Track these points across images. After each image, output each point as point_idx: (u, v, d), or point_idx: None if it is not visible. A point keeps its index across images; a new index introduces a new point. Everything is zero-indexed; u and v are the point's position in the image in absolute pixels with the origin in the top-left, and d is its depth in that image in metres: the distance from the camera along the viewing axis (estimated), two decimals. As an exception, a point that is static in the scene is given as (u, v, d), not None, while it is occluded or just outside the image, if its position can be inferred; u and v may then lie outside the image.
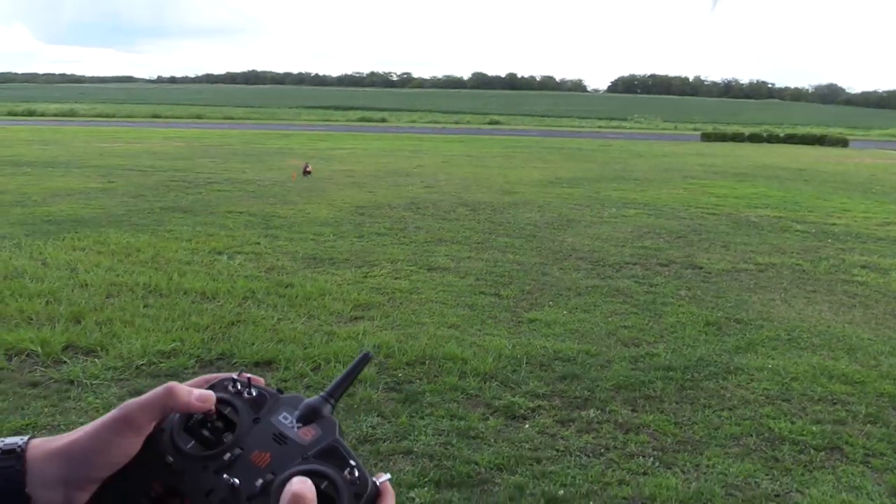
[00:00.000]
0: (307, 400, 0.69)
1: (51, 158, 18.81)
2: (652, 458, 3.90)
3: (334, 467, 0.62)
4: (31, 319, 5.69)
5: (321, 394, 0.69)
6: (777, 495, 3.59)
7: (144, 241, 8.57)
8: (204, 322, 5.76)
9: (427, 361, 5.10)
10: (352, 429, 4.06)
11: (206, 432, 0.65)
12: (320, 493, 0.60)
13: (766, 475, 3.77)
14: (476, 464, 3.75)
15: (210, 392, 0.67)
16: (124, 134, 31.54)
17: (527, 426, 4.21)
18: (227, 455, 0.64)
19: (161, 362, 4.94)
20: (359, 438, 3.97)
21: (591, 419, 4.32)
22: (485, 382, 4.77)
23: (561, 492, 3.51)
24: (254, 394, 0.68)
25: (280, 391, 0.70)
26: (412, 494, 3.43)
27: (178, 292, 6.53)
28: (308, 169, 16.25)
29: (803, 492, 3.62)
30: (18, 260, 7.48)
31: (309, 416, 0.67)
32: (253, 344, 5.30)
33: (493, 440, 4.02)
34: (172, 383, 0.65)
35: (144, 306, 6.13)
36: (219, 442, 0.65)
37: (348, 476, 0.62)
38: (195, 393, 0.66)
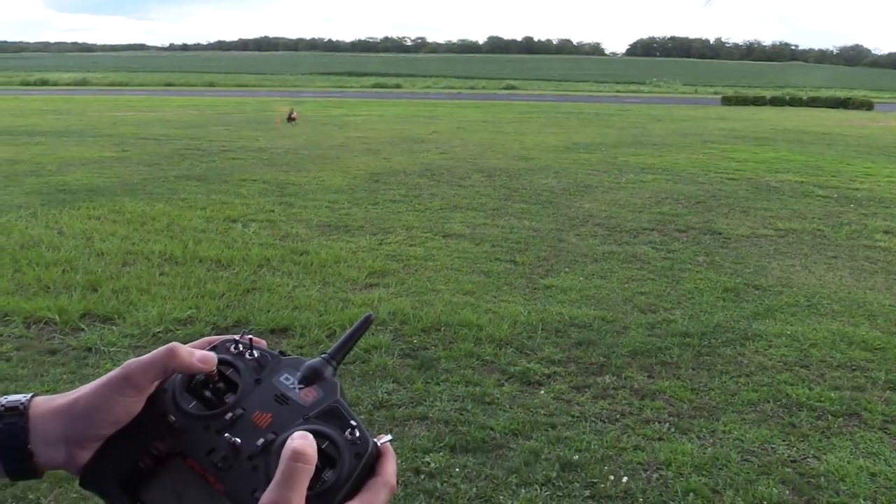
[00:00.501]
0: (309, 361, 0.69)
1: (64, 128, 18.88)
2: (667, 424, 3.92)
3: (335, 427, 0.63)
4: (49, 288, 5.77)
5: (323, 355, 0.70)
6: (794, 461, 3.60)
7: (159, 210, 8.62)
8: (219, 289, 5.81)
9: (442, 328, 5.13)
10: (367, 395, 4.10)
11: (208, 393, 0.66)
12: (321, 453, 0.61)
13: (783, 441, 3.78)
14: (491, 429, 3.78)
15: (212, 354, 0.68)
16: (137, 102, 31.53)
17: (542, 392, 4.24)
18: (229, 415, 0.65)
19: (177, 329, 5.00)
20: (374, 404, 4.01)
21: (606, 385, 4.34)
22: (500, 349, 4.80)
23: (576, 457, 3.54)
24: (255, 355, 0.69)
25: (282, 353, 0.71)
26: (427, 459, 3.48)
27: (193, 260, 6.58)
28: (293, 115, 15.96)
29: (820, 458, 3.63)
30: (35, 229, 7.55)
31: (311, 378, 0.68)
32: (268, 311, 5.35)
33: (508, 406, 4.05)
34: (174, 344, 0.66)
35: (160, 274, 6.19)
36: (220, 402, 0.66)
37: (349, 436, 0.63)
38: (197, 354, 0.66)
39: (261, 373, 0.68)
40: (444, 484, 3.31)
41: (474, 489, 3.27)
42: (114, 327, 5.04)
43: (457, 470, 3.42)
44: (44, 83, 52.09)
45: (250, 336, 0.70)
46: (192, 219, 8.23)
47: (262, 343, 0.71)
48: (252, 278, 6.14)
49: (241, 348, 0.69)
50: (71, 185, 10.27)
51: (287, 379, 0.68)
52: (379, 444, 0.64)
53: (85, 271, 6.16)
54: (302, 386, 0.67)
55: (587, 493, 3.28)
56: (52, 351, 4.64)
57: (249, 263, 6.52)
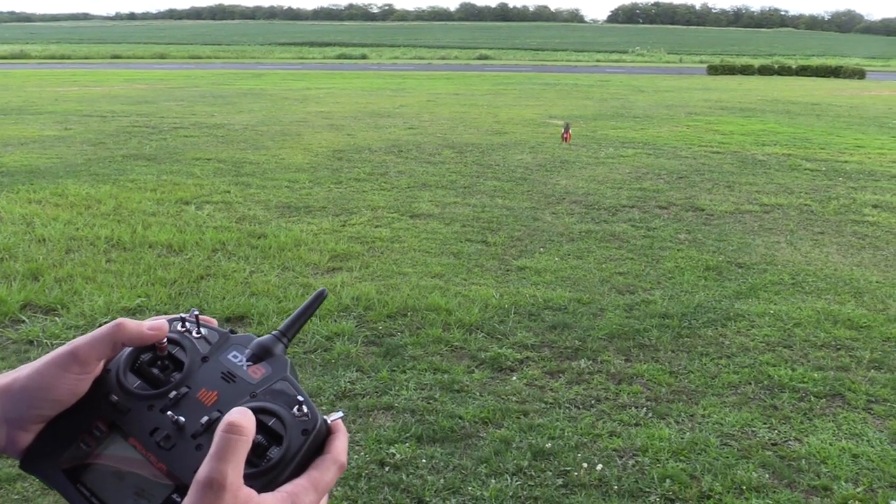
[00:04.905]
0: (258, 339, 0.71)
1: (1, 105, 18.55)
2: (645, 409, 3.99)
3: (283, 404, 0.65)
4: (-15, 277, 5.70)
5: (273, 332, 0.71)
6: (774, 444, 3.69)
7: (105, 192, 8.53)
8: (171, 276, 5.78)
9: (409, 313, 5.16)
10: (329, 385, 4.13)
11: (152, 372, 0.67)
12: (268, 430, 0.62)
13: (764, 424, 3.87)
14: (460, 418, 3.83)
15: (162, 321, 0.68)
16: (81, 77, 31.07)
17: (514, 378, 4.29)
18: (173, 394, 0.66)
19: (126, 319, 4.97)
20: (337, 394, 4.04)
21: (581, 370, 4.40)
22: (470, 334, 4.84)
23: (549, 444, 3.60)
24: (203, 333, 0.70)
25: (232, 331, 0.72)
26: (392, 451, 3.51)
27: (142, 245, 6.54)
28: (567, 134, 13.50)
29: (802, 440, 3.72)
30: (-31, 214, 7.44)
31: (260, 355, 0.69)
32: (224, 298, 5.34)
33: (478, 393, 4.10)
34: (121, 318, 0.66)
35: (107, 261, 6.14)
36: (166, 381, 0.67)
37: (297, 412, 0.64)
38: (146, 323, 0.67)
39: (208, 351, 0.69)
40: (411, 476, 3.35)
41: (442, 480, 3.32)
42: (57, 318, 5.00)
43: (423, 461, 3.46)
44: (-23, 56, 51.04)
45: (198, 313, 0.71)
46: (141, 201, 8.15)
47: (212, 321, 0.72)
48: (206, 264, 6.12)
49: (189, 326, 0.70)
50: (9, 166, 10.11)
51: (235, 356, 0.69)
52: (329, 421, 0.65)
53: (25, 259, 6.10)
54: (250, 363, 0.68)
55: (560, 481, 3.34)
56: (-10, 344, 4.60)
57: (203, 248, 6.49)
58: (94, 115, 16.27)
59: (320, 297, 0.74)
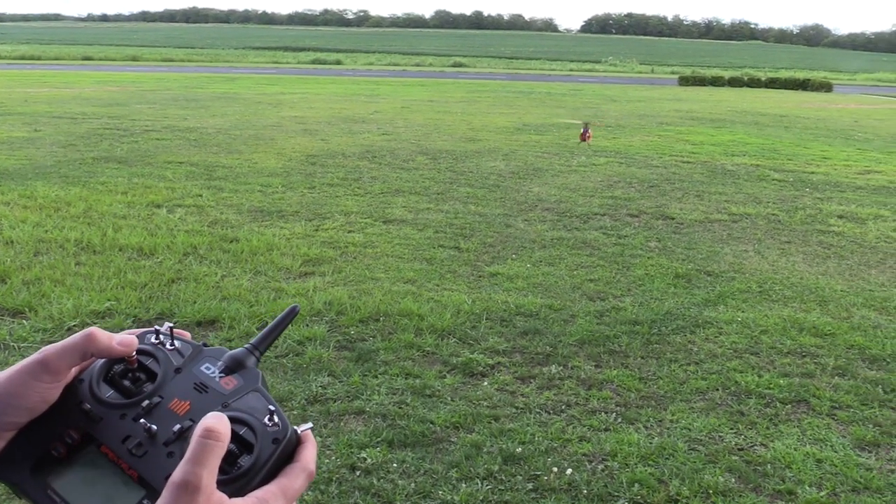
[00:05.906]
0: (231, 351, 0.72)
1: (-31, 104, 18.27)
2: (614, 414, 4.03)
3: (254, 414, 0.66)
4: (-49, 279, 5.61)
5: (246, 345, 0.73)
6: (741, 449, 3.74)
7: (75, 195, 8.43)
8: (141, 280, 5.73)
9: (381, 318, 5.16)
10: (301, 389, 4.11)
11: (126, 383, 0.68)
12: (239, 439, 0.64)
13: (731, 429, 3.92)
14: (431, 423, 3.84)
15: (132, 337, 0.69)
16: (51, 78, 30.70)
17: (485, 383, 4.31)
18: (146, 403, 0.67)
19: (95, 323, 4.92)
20: (308, 399, 4.03)
21: (552, 375, 4.43)
22: (442, 339, 4.85)
23: (519, 449, 3.62)
24: (176, 345, 0.72)
25: (205, 344, 0.74)
26: (363, 455, 3.51)
27: (112, 249, 6.47)
28: (588, 134, 13.93)
29: (767, 445, 3.78)
30: (-65, 215, 7.32)
31: (232, 367, 0.71)
32: (194, 302, 5.30)
33: (449, 398, 4.11)
34: (92, 328, 0.67)
35: (76, 264, 6.07)
36: (138, 392, 0.68)
37: (268, 422, 0.66)
38: (116, 337, 0.68)
39: (181, 362, 0.71)
40: (381, 480, 3.35)
41: (413, 485, 3.32)
42: (24, 321, 4.93)
43: (394, 465, 3.46)
44: (-55, 56, 50.28)
45: (171, 326, 0.73)
46: (112, 204, 8.07)
47: (186, 334, 0.74)
48: (177, 267, 6.07)
49: (162, 338, 0.72)
50: (-24, 167, 9.97)
51: (208, 368, 0.71)
52: (299, 431, 0.67)
53: (-8, 261, 6.01)
54: (223, 375, 0.70)
55: (530, 486, 3.36)
56: (-45, 347, 4.53)
57: (174, 252, 6.44)
58: (64, 117, 16.08)
59: (293, 313, 0.76)
